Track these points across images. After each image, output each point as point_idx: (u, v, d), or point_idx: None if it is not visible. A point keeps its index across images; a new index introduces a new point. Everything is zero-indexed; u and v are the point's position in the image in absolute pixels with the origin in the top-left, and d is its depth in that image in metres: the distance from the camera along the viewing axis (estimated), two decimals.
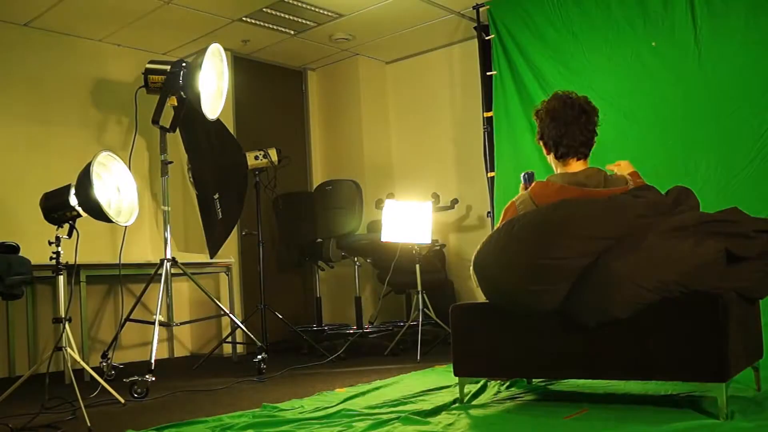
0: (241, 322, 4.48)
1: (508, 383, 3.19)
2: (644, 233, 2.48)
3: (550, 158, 2.86)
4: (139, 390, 3.52)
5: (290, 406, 3.04)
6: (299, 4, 4.99)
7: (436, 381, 3.51)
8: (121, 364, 4.21)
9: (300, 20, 5.30)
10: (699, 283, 2.41)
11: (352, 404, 3.00)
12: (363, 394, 3.27)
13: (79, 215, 3.26)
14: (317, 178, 6.39)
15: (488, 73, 5.01)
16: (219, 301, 4.61)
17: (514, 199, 2.83)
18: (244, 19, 5.18)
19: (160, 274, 3.96)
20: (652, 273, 2.40)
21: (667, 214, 2.60)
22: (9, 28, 4.88)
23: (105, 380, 3.50)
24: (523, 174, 2.98)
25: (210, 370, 4.59)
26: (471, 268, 2.76)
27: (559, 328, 2.59)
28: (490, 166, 4.97)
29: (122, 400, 3.34)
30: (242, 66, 5.94)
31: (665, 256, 2.41)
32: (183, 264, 4.15)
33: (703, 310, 2.37)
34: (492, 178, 4.93)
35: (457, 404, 2.86)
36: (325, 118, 6.54)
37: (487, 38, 5.04)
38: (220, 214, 4.92)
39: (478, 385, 3.16)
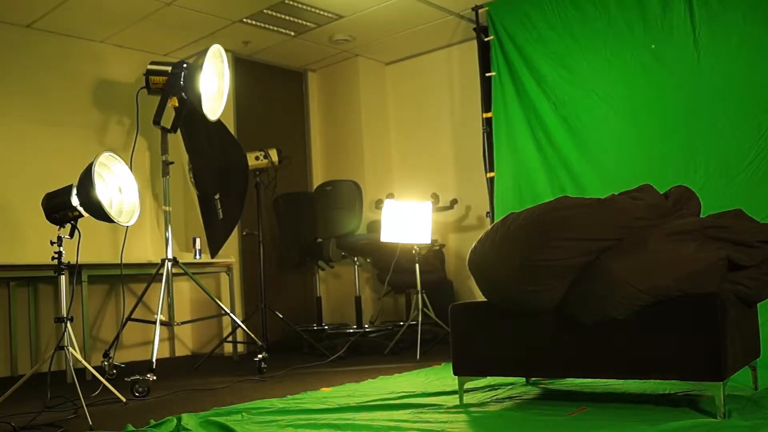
0: (242, 322, 4.50)
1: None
2: (645, 236, 2.47)
3: None
4: (140, 389, 3.54)
5: (286, 404, 3.06)
6: (299, 5, 5.01)
7: (435, 380, 3.53)
8: (122, 364, 4.22)
9: (300, 21, 5.31)
10: (698, 288, 2.39)
11: (349, 403, 3.01)
12: (361, 392, 3.28)
13: (81, 215, 3.27)
14: (317, 178, 6.41)
15: (487, 74, 5.03)
16: (220, 301, 4.62)
17: None
18: (244, 20, 5.20)
19: (161, 274, 3.98)
20: (650, 277, 2.39)
21: (667, 216, 2.58)
22: (11, 30, 4.90)
23: (106, 379, 3.51)
24: None
25: (211, 369, 4.60)
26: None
27: (558, 327, 2.61)
28: (490, 166, 4.98)
29: (124, 399, 3.36)
30: (243, 67, 5.95)
31: (665, 260, 2.40)
32: (184, 264, 4.17)
33: (700, 309, 2.38)
34: (491, 178, 4.94)
35: (456, 403, 2.88)
36: (325, 119, 6.56)
37: (486, 39, 5.06)
38: (221, 214, 4.94)
39: (478, 384, 3.18)
